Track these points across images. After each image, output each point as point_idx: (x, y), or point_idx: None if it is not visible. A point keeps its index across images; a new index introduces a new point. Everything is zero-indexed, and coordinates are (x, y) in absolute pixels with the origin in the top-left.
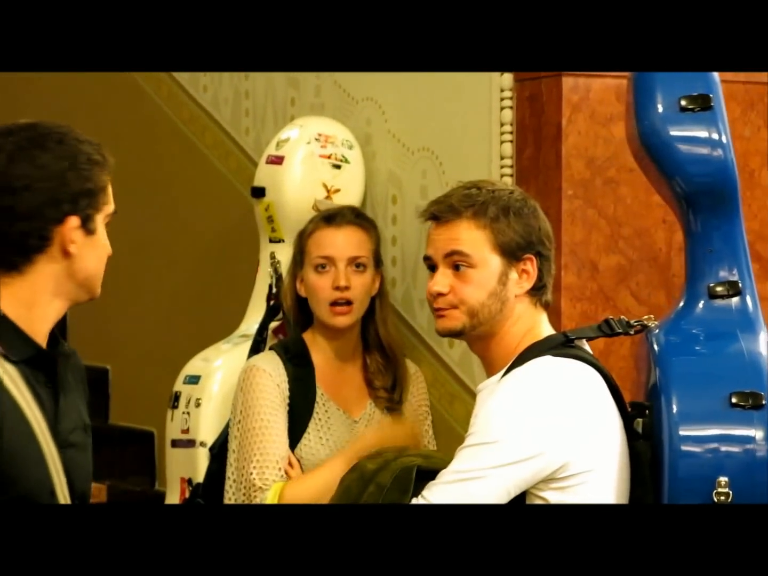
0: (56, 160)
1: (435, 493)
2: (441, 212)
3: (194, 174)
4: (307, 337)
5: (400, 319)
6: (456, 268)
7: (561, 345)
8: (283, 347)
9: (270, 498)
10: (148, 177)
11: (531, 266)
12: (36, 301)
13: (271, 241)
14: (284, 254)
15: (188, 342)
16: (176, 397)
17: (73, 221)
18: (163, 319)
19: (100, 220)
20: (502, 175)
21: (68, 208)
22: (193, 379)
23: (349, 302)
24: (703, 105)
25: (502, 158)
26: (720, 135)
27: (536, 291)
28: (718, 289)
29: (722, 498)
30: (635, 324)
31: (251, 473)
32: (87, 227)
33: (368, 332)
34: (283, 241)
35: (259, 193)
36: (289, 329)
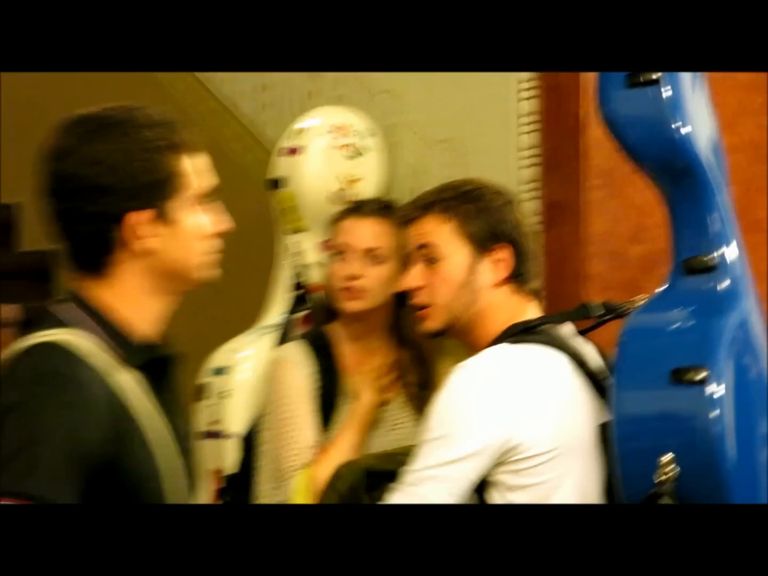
0: (112, 154)
1: (394, 496)
2: (411, 211)
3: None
4: (334, 327)
5: None
6: (429, 262)
7: (521, 332)
8: (310, 337)
9: (302, 482)
10: None
11: (505, 255)
12: (132, 300)
13: (294, 231)
14: (309, 243)
15: (214, 333)
16: (203, 389)
17: (139, 217)
18: (190, 310)
19: (179, 207)
20: (522, 167)
21: (132, 204)
22: (220, 371)
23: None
24: (647, 78)
25: (523, 149)
26: (667, 111)
27: (515, 279)
28: (692, 264)
29: (667, 476)
30: (624, 306)
31: (289, 463)
32: (163, 218)
33: (401, 327)
34: (307, 230)
35: (277, 184)
36: (316, 319)
